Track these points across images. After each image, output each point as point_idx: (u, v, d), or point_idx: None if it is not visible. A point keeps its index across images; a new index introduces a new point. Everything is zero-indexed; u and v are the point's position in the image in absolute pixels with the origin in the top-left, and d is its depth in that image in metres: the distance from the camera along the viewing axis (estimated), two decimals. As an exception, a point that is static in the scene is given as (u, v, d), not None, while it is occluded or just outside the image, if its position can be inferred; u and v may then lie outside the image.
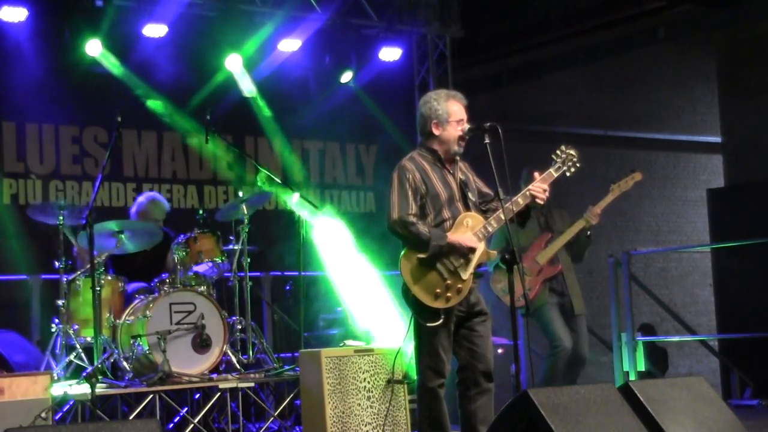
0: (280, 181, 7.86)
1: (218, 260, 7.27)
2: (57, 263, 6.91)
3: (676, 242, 14.26)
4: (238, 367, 7.02)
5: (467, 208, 5.18)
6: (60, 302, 6.87)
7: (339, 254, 8.20)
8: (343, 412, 6.04)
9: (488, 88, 12.43)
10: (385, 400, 6.17)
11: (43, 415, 5.56)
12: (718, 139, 12.05)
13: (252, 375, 6.97)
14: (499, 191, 4.98)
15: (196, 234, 7.25)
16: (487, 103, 12.03)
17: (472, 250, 5.02)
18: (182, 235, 7.29)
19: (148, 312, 6.67)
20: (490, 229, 5.12)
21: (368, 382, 6.17)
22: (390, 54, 10.05)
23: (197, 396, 7.12)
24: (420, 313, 5.04)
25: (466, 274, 5.04)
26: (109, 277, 6.99)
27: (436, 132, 5.21)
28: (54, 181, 9.00)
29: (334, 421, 5.99)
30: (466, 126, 5.18)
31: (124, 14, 8.78)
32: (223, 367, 7.01)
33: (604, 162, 13.09)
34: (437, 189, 5.15)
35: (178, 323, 6.74)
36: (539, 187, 5.16)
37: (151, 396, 6.38)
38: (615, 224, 13.13)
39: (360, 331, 7.69)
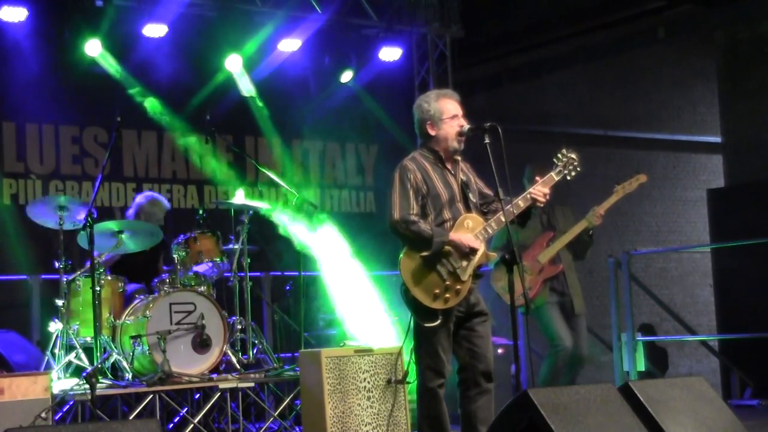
0: (280, 182, 7.86)
1: (218, 260, 7.27)
2: (57, 263, 6.90)
3: (676, 242, 14.26)
4: (238, 367, 7.01)
5: (468, 209, 5.18)
6: (60, 302, 6.86)
7: (335, 262, 8.22)
8: (343, 412, 6.04)
9: (488, 87, 12.44)
10: (385, 400, 6.16)
11: (43, 415, 5.56)
12: (718, 139, 12.04)
13: (252, 375, 6.97)
14: (499, 191, 4.98)
15: (196, 234, 7.25)
16: (487, 102, 12.04)
17: (474, 250, 5.03)
18: (182, 235, 7.28)
19: (148, 312, 6.67)
20: (490, 230, 5.13)
21: (368, 382, 6.17)
22: (390, 54, 10.05)
23: (197, 396, 7.11)
24: (418, 313, 5.04)
25: (466, 276, 5.04)
26: (109, 277, 6.99)
27: (432, 132, 5.22)
28: (54, 181, 9.00)
29: (334, 421, 5.99)
30: (464, 122, 5.19)
31: (124, 14, 8.78)
32: (223, 367, 7.01)
33: (604, 162, 13.10)
34: (438, 189, 5.15)
35: (178, 323, 6.74)
36: (540, 191, 5.17)
37: (151, 396, 6.38)
38: (615, 224, 13.13)
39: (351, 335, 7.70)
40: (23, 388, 5.62)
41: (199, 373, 6.70)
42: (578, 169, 5.30)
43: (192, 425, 6.53)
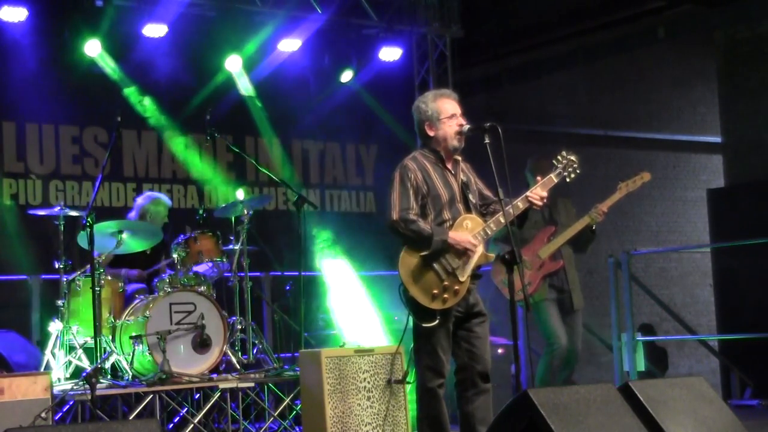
0: (280, 182, 7.87)
1: (218, 260, 7.27)
2: (57, 263, 6.90)
3: (676, 242, 14.26)
4: (238, 367, 7.01)
5: (468, 209, 5.18)
6: (60, 302, 6.86)
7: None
8: (343, 412, 6.04)
9: (488, 87, 12.44)
10: (385, 400, 6.16)
11: (43, 415, 5.56)
12: (718, 139, 12.03)
13: (252, 375, 6.97)
14: (499, 191, 4.99)
15: (196, 234, 7.24)
16: (487, 103, 12.04)
17: (472, 247, 5.02)
18: (182, 235, 7.28)
19: (148, 312, 6.66)
20: (489, 231, 5.13)
21: (368, 382, 6.17)
22: (390, 54, 10.05)
23: (197, 396, 7.11)
24: (417, 313, 5.04)
25: (464, 276, 5.04)
26: (109, 278, 6.99)
27: (431, 133, 5.23)
28: (54, 181, 9.00)
29: (334, 421, 5.99)
30: (463, 121, 5.20)
31: (123, 14, 8.78)
32: (223, 367, 7.01)
33: (605, 162, 13.10)
34: (439, 190, 5.15)
35: (178, 323, 6.73)
36: (538, 194, 5.18)
37: (151, 396, 6.38)
38: (615, 224, 13.13)
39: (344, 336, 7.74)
40: (23, 388, 5.61)
41: (199, 373, 6.69)
42: (578, 170, 5.32)
43: (192, 425, 6.53)
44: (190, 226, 7.46)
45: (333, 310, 8.37)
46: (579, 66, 12.36)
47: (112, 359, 6.76)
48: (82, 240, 6.71)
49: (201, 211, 7.63)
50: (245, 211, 7.40)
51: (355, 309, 8.37)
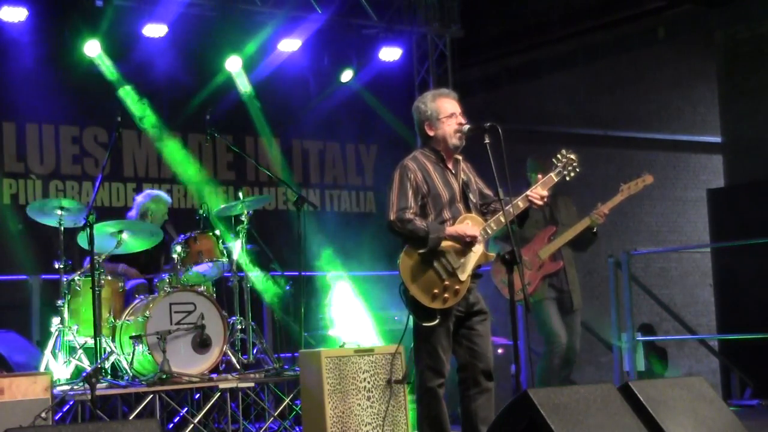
0: (281, 181, 7.87)
1: (218, 260, 7.27)
2: (57, 263, 6.90)
3: (676, 242, 14.26)
4: (238, 367, 7.01)
5: (468, 209, 5.19)
6: (60, 302, 6.86)
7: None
8: (343, 412, 6.04)
9: (488, 87, 12.43)
10: (385, 400, 6.16)
11: (43, 415, 5.55)
12: (718, 139, 12.03)
13: (252, 375, 6.97)
14: (499, 191, 4.99)
15: (196, 234, 7.24)
16: (487, 103, 12.03)
17: (474, 238, 5.01)
18: (182, 235, 7.28)
19: (148, 312, 6.66)
20: (489, 231, 5.13)
21: (368, 382, 6.17)
22: (390, 54, 10.05)
23: (197, 396, 7.11)
24: (417, 312, 5.04)
25: (465, 275, 5.04)
26: (109, 277, 6.99)
27: (430, 133, 5.23)
28: (54, 181, 9.00)
29: (334, 421, 5.99)
30: (462, 119, 5.20)
31: (123, 14, 8.79)
32: (223, 367, 7.01)
33: (604, 162, 13.10)
34: (439, 189, 5.15)
35: (178, 323, 6.73)
36: (538, 194, 5.18)
37: (151, 396, 6.37)
38: (615, 224, 13.12)
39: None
40: (23, 388, 5.61)
41: (199, 373, 6.69)
42: (578, 169, 5.32)
43: (192, 425, 6.53)
44: (190, 226, 7.44)
45: (332, 310, 8.36)
46: (579, 66, 12.36)
47: (112, 359, 6.76)
48: (82, 240, 6.71)
49: (201, 211, 7.62)
50: (245, 211, 7.40)
51: (351, 309, 8.37)
